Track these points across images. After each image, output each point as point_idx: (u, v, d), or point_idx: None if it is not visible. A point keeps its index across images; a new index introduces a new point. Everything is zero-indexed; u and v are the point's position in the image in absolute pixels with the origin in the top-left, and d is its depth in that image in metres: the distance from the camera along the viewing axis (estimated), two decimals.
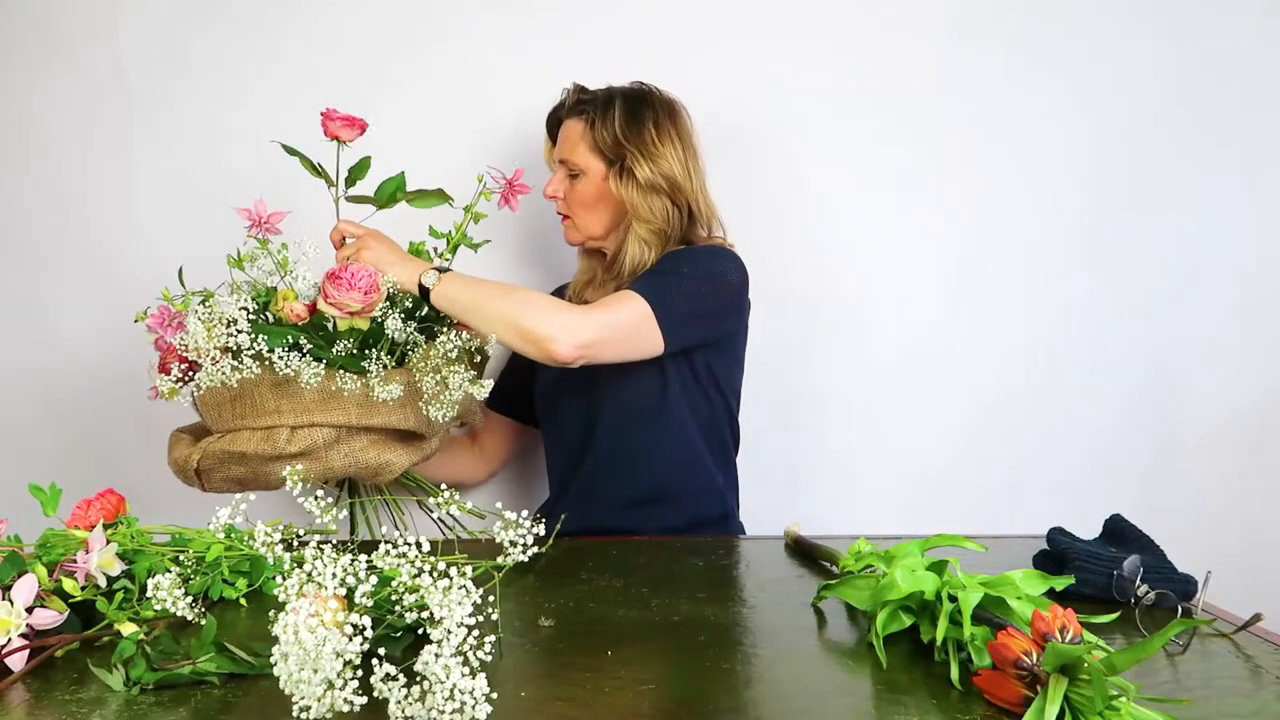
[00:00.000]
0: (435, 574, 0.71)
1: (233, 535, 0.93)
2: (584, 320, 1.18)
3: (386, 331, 1.19)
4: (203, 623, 0.85)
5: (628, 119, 1.34)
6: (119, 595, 0.86)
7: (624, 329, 1.22)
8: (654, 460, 1.35)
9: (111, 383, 1.60)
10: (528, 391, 1.53)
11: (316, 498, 0.80)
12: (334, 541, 0.91)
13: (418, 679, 0.64)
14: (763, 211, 1.64)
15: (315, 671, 0.64)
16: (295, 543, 0.85)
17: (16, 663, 0.78)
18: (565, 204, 1.40)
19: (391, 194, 1.26)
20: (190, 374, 1.17)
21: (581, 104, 1.38)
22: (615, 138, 1.33)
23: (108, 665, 0.74)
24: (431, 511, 1.29)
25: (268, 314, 1.23)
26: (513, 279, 1.61)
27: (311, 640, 0.64)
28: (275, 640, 0.65)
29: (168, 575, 0.80)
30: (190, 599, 0.82)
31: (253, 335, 1.12)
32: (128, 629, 0.81)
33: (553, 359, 1.16)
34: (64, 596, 0.85)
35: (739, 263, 1.35)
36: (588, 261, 1.48)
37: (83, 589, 0.86)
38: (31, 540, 0.93)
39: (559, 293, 1.50)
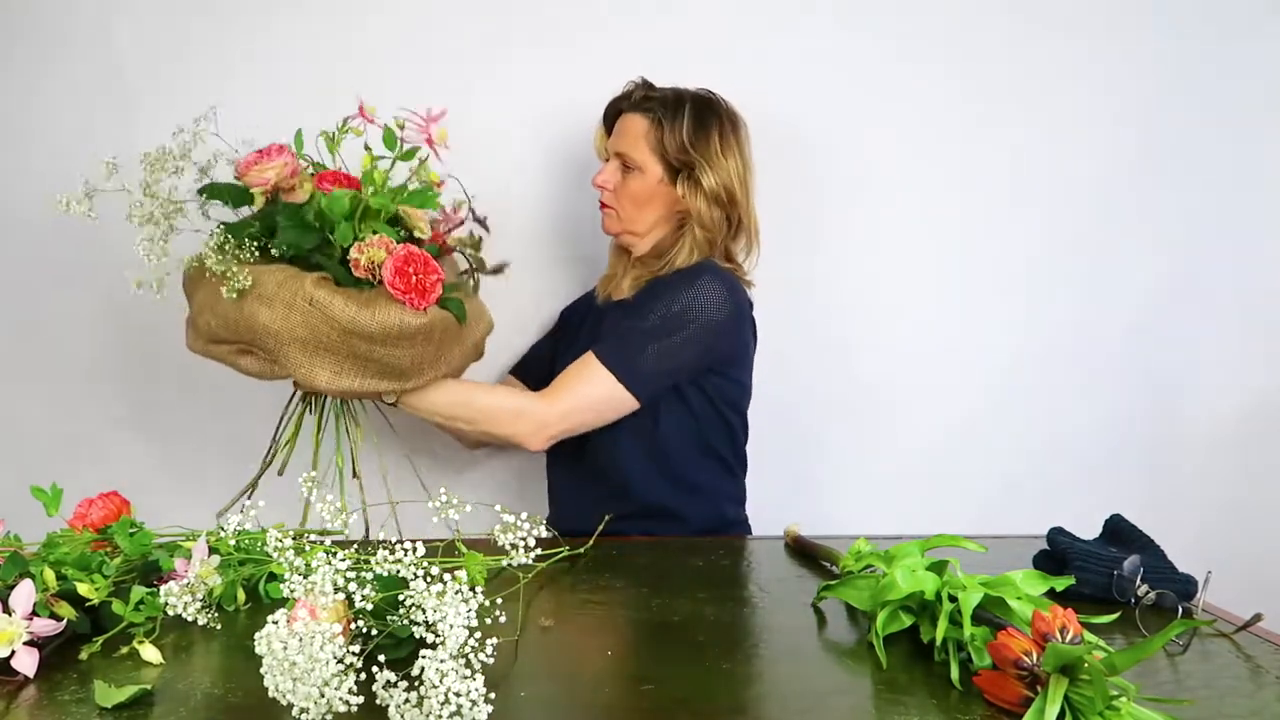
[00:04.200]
0: (430, 578, 0.71)
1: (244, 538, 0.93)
2: (548, 412, 1.26)
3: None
4: (217, 628, 0.85)
5: (696, 126, 1.35)
6: (134, 596, 0.85)
7: (590, 405, 1.28)
8: (646, 480, 1.35)
9: (112, 382, 1.60)
10: (547, 364, 1.53)
11: (326, 500, 0.80)
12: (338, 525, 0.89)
13: (417, 684, 0.64)
14: (763, 212, 1.64)
15: (296, 681, 0.64)
16: (306, 546, 0.85)
17: (26, 666, 0.77)
18: (614, 195, 1.39)
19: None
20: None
21: (648, 101, 1.37)
22: (681, 143, 1.34)
23: (117, 671, 0.74)
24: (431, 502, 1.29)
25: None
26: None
27: (291, 653, 0.64)
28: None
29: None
30: (200, 605, 0.82)
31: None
32: (150, 652, 0.80)
33: (530, 450, 1.28)
34: (77, 601, 0.85)
35: (724, 295, 1.31)
36: (616, 255, 1.49)
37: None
38: (31, 540, 0.93)
39: (583, 301, 1.53)
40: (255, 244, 1.14)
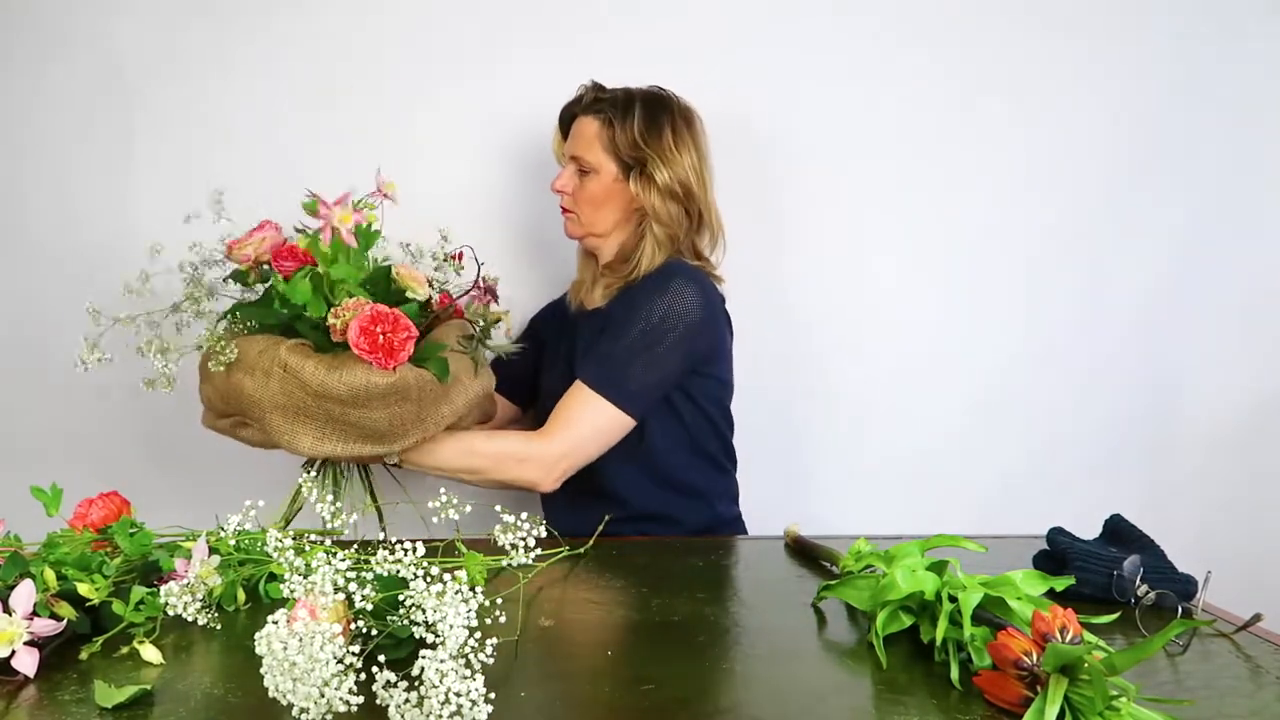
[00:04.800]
0: (429, 578, 0.71)
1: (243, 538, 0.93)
2: (549, 452, 1.26)
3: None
4: (217, 628, 0.85)
5: (647, 123, 1.35)
6: (134, 596, 0.85)
7: (592, 436, 1.28)
8: (638, 489, 1.35)
9: (111, 382, 1.60)
10: (527, 379, 1.53)
11: (327, 500, 0.80)
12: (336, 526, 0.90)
13: (417, 684, 0.64)
14: (764, 212, 1.64)
15: (296, 681, 0.64)
16: (306, 546, 0.85)
17: (26, 666, 0.77)
18: (572, 199, 1.40)
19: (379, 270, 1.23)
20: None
21: (599, 103, 1.38)
22: (634, 141, 1.34)
23: (117, 671, 0.74)
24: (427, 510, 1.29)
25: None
26: (513, 275, 1.61)
27: (291, 653, 0.64)
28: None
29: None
30: (200, 605, 0.82)
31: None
32: (150, 653, 0.80)
33: (543, 492, 1.29)
34: (77, 601, 0.85)
35: (697, 295, 1.31)
36: (584, 260, 1.49)
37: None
38: (31, 540, 0.93)
39: (555, 309, 1.53)
40: (240, 325, 1.18)
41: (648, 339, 1.28)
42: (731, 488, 1.47)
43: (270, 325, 1.17)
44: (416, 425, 1.17)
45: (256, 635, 0.66)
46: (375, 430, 1.14)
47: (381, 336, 1.10)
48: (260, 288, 1.22)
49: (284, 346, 1.11)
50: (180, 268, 1.19)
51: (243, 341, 1.14)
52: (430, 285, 1.24)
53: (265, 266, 1.20)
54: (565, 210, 1.42)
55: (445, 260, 1.30)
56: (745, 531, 1.44)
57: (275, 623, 0.66)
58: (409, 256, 1.30)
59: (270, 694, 0.65)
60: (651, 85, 1.40)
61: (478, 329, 1.33)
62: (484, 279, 1.36)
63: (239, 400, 1.14)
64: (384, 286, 1.18)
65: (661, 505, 1.35)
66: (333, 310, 1.13)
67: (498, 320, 1.38)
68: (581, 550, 1.13)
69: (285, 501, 1.26)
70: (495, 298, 1.39)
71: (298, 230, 1.20)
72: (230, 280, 1.22)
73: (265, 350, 1.12)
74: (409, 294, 1.19)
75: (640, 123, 1.35)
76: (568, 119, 1.44)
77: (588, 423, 1.27)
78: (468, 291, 1.33)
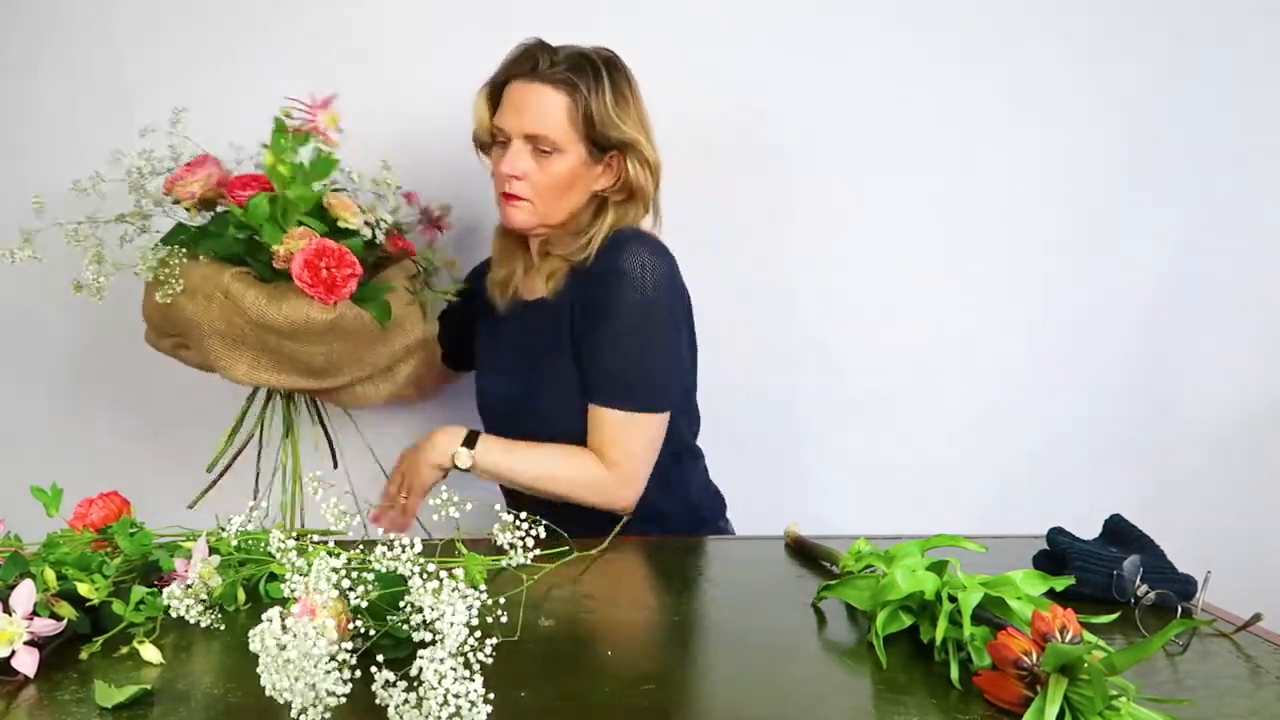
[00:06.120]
0: (426, 575, 0.71)
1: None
2: (623, 485, 1.22)
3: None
4: (220, 628, 0.85)
5: (615, 95, 1.20)
6: (134, 596, 0.85)
7: (652, 449, 1.24)
8: None
9: (112, 383, 1.60)
10: (463, 345, 1.43)
11: (333, 502, 0.80)
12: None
13: (416, 684, 0.64)
14: (764, 211, 1.64)
15: (291, 678, 0.64)
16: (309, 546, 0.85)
17: (26, 666, 0.77)
18: (527, 184, 1.21)
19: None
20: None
21: (557, 68, 1.19)
22: (608, 117, 1.19)
23: (117, 671, 0.74)
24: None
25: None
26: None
27: (288, 651, 0.64)
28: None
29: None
30: (203, 606, 0.82)
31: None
32: (150, 653, 0.80)
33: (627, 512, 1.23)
34: (77, 601, 0.85)
35: (662, 268, 1.21)
36: (510, 251, 1.31)
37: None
38: (31, 540, 0.93)
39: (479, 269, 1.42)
40: (184, 251, 1.16)
41: (642, 330, 1.20)
42: (701, 465, 1.41)
43: (221, 254, 1.16)
44: (353, 364, 1.17)
45: (250, 632, 0.66)
46: (311, 365, 1.15)
47: (325, 270, 1.09)
48: (200, 218, 1.21)
49: (228, 273, 1.11)
50: (127, 173, 1.18)
51: (188, 265, 1.14)
52: (371, 220, 1.19)
53: (211, 201, 1.19)
54: (513, 198, 1.22)
55: (388, 188, 1.25)
56: (724, 509, 1.42)
57: (270, 620, 0.66)
58: (350, 183, 1.26)
59: (268, 692, 0.65)
60: (597, 46, 1.25)
61: (421, 269, 1.30)
62: (431, 208, 1.31)
63: (180, 322, 1.15)
64: (316, 215, 1.16)
65: (642, 503, 1.27)
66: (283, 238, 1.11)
67: (453, 264, 1.34)
68: (594, 552, 1.12)
69: (222, 438, 1.29)
70: (441, 228, 1.34)
71: (266, 146, 1.17)
72: (175, 203, 1.20)
73: (209, 275, 1.12)
74: (340, 223, 1.16)
75: (610, 95, 1.19)
76: (502, 85, 1.23)
77: (640, 441, 1.23)
78: (420, 221, 1.31)
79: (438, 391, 1.58)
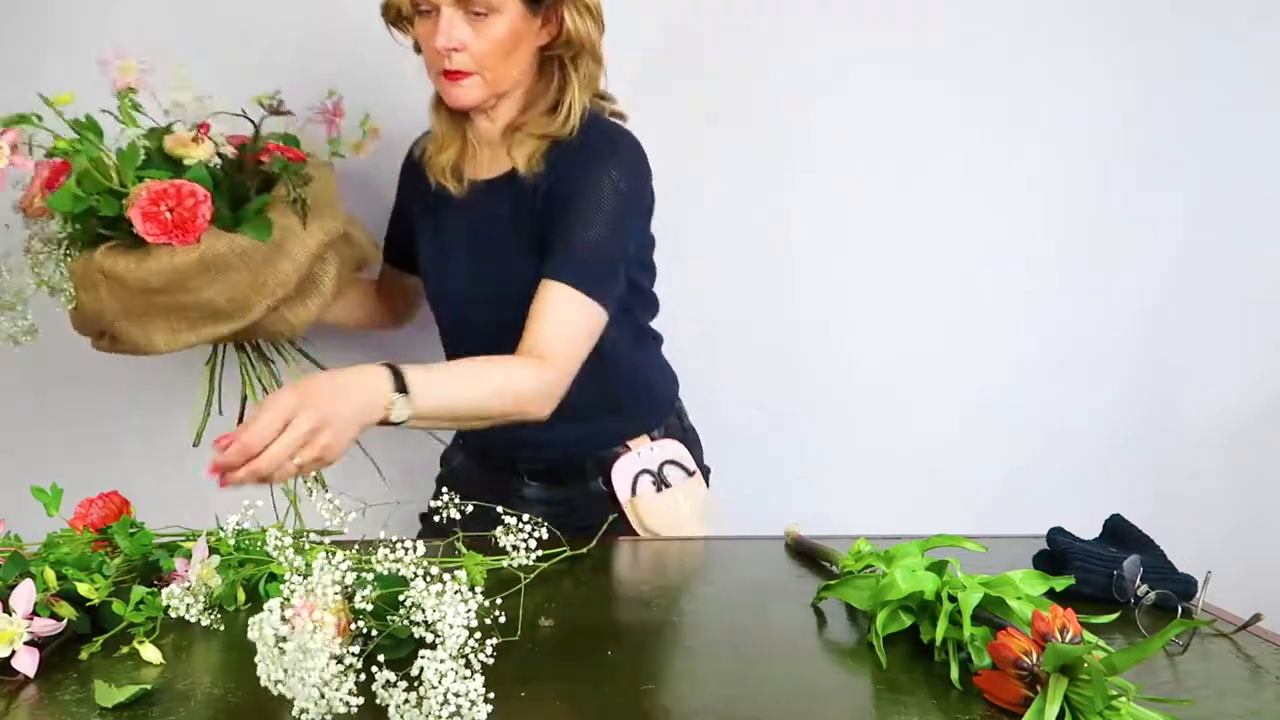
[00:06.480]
0: (429, 578, 0.71)
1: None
2: (560, 383, 1.09)
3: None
4: (220, 629, 0.85)
5: None
6: (134, 596, 0.86)
7: (581, 340, 1.11)
8: (589, 394, 1.16)
9: (111, 383, 1.60)
10: (405, 240, 1.35)
11: (328, 500, 0.80)
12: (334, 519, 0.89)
13: (416, 684, 0.64)
14: (765, 213, 1.64)
15: (289, 674, 0.64)
16: (306, 545, 0.85)
17: (26, 666, 0.77)
18: (469, 56, 1.10)
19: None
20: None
21: None
22: None
23: (117, 671, 0.74)
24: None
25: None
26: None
27: (288, 645, 0.64)
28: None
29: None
30: (203, 606, 0.82)
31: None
32: (150, 652, 0.80)
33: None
34: (77, 601, 0.85)
35: (636, 153, 1.17)
36: (455, 126, 1.21)
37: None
38: (31, 540, 0.93)
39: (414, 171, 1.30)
40: (64, 255, 1.13)
41: (615, 216, 1.12)
42: (658, 350, 1.37)
43: (86, 242, 1.12)
44: (259, 291, 1.10)
45: (251, 620, 0.66)
46: (217, 308, 1.09)
47: (169, 213, 1.04)
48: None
49: (98, 253, 1.08)
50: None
51: (69, 265, 1.12)
52: (218, 140, 1.13)
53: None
54: (457, 75, 1.12)
55: (197, 102, 1.16)
56: (678, 386, 1.39)
57: (270, 610, 0.66)
58: (170, 117, 1.17)
59: (262, 683, 0.65)
60: None
61: (290, 178, 1.17)
62: (328, 99, 1.24)
63: (91, 319, 1.13)
64: (160, 159, 1.11)
65: (611, 403, 1.22)
66: (125, 201, 1.06)
67: (375, 131, 1.27)
68: (585, 550, 1.12)
69: (198, 406, 1.26)
70: (338, 115, 1.26)
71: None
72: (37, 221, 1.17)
73: (85, 264, 1.09)
74: (185, 161, 1.11)
75: None
76: None
77: (583, 332, 1.10)
78: (320, 120, 1.24)
79: (413, 313, 1.49)
